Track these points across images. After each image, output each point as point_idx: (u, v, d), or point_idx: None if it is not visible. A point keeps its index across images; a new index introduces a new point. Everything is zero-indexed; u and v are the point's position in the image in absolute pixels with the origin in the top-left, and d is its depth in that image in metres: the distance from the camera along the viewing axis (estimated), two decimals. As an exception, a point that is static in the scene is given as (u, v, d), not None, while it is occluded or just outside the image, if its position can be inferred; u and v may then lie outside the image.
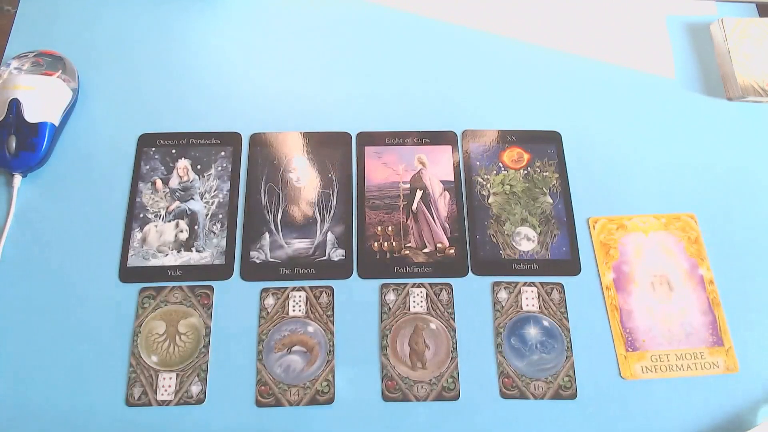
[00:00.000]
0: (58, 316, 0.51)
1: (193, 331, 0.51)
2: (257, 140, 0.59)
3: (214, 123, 0.60)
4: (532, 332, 0.52)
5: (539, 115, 0.61)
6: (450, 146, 0.59)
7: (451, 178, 0.58)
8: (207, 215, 0.56)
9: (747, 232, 0.57)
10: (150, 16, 0.65)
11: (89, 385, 0.49)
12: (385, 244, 0.55)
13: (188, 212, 0.56)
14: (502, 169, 0.59)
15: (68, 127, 0.59)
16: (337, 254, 0.55)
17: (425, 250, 0.55)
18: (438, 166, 0.58)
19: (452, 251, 0.55)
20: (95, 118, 0.60)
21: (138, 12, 0.65)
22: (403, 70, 0.63)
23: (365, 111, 0.61)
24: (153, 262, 0.54)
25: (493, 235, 0.56)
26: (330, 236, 0.55)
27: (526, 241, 0.56)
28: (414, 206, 0.57)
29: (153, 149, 0.58)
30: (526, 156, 0.59)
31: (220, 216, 0.56)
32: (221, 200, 0.56)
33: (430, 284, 0.54)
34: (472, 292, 0.53)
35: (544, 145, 0.60)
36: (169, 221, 0.55)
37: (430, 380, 0.50)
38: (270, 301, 0.53)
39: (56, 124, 0.57)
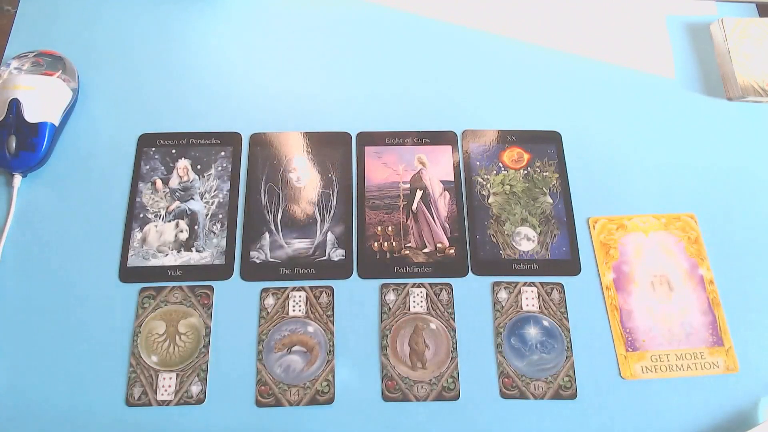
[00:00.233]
0: (58, 316, 0.51)
1: (193, 331, 0.51)
2: (257, 140, 0.59)
3: (214, 123, 0.60)
4: (532, 332, 0.52)
5: (539, 115, 0.61)
6: (450, 146, 0.59)
7: (451, 178, 0.58)
8: (207, 215, 0.56)
9: (747, 232, 0.57)
10: (150, 16, 0.65)
11: (89, 385, 0.49)
12: (385, 244, 0.55)
13: (188, 212, 0.56)
14: (502, 169, 0.59)
15: (68, 127, 0.59)
16: (337, 254, 0.55)
17: (425, 250, 0.55)
18: (438, 166, 0.58)
19: (452, 251, 0.55)
20: (95, 118, 0.60)
21: (138, 12, 0.65)
22: (403, 70, 0.63)
23: (365, 111, 0.61)
24: (153, 262, 0.54)
25: (493, 235, 0.56)
26: (330, 236, 0.55)
27: (526, 241, 0.56)
28: (414, 206, 0.57)
29: (153, 149, 0.58)
30: (526, 156, 0.59)
31: (220, 216, 0.56)
32: (221, 200, 0.56)
33: (430, 284, 0.54)
34: (472, 292, 0.53)
35: (544, 145, 0.60)
36: (169, 221, 0.55)
37: (430, 380, 0.50)
38: (270, 301, 0.53)
39: (56, 124, 0.57)
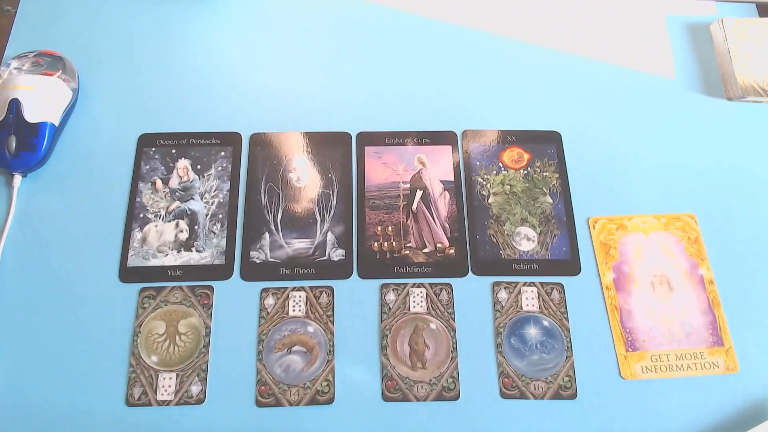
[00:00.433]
0: (58, 316, 0.51)
1: (193, 331, 0.51)
2: (257, 140, 0.59)
3: (214, 123, 0.60)
4: (532, 332, 0.52)
5: (539, 115, 0.61)
6: (450, 146, 0.59)
7: (451, 178, 0.58)
8: (207, 215, 0.56)
9: (747, 232, 0.57)
10: (150, 16, 0.65)
11: (89, 385, 0.49)
12: (385, 244, 0.55)
13: (188, 212, 0.56)
14: (502, 169, 0.59)
15: (68, 127, 0.59)
16: (337, 254, 0.55)
17: (425, 250, 0.55)
18: (438, 166, 0.58)
19: (452, 251, 0.55)
20: (95, 118, 0.60)
21: (138, 12, 0.65)
22: (403, 70, 0.63)
23: (365, 111, 0.61)
24: (153, 262, 0.54)
25: (493, 235, 0.56)
26: (330, 236, 0.55)
27: (526, 241, 0.56)
28: (414, 206, 0.57)
29: (153, 149, 0.58)
30: (526, 156, 0.59)
31: (220, 216, 0.56)
32: (221, 200, 0.56)
33: (430, 284, 0.54)
34: (472, 292, 0.53)
35: (544, 145, 0.60)
36: (169, 221, 0.55)
37: (430, 380, 0.50)
38: (270, 301, 0.53)
39: (56, 124, 0.57)
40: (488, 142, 0.60)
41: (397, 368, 0.51)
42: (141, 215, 0.55)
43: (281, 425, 0.49)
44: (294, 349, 0.51)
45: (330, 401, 0.49)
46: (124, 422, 0.48)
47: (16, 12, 0.64)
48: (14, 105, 0.55)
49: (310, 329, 0.52)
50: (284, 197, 0.57)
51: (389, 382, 0.50)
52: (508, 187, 0.58)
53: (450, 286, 0.54)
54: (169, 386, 0.49)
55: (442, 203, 0.57)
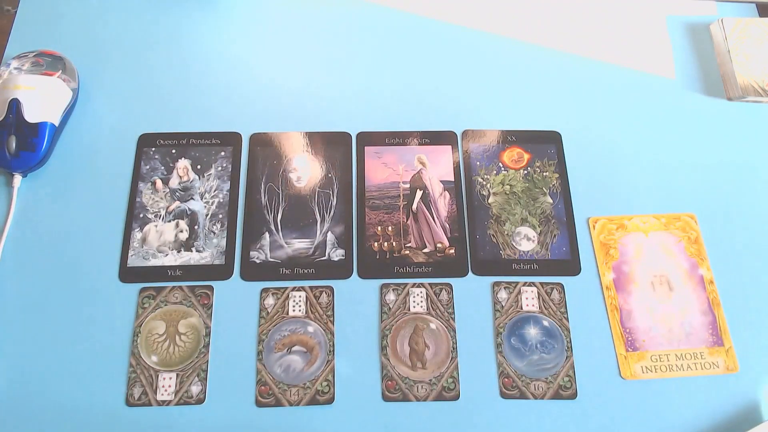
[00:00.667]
0: (58, 316, 0.51)
1: (193, 331, 0.51)
2: (257, 140, 0.59)
3: (214, 123, 0.60)
4: (532, 332, 0.52)
5: (539, 115, 0.61)
6: (450, 146, 0.59)
7: (451, 178, 0.58)
8: (207, 215, 0.56)
9: (747, 232, 0.57)
10: (150, 16, 0.65)
11: (89, 385, 0.49)
12: (385, 244, 0.55)
13: (188, 212, 0.56)
14: (502, 169, 0.59)
15: (68, 127, 0.59)
16: (337, 254, 0.55)
17: (425, 250, 0.55)
18: (438, 166, 0.58)
19: (452, 251, 0.55)
20: (95, 118, 0.60)
21: (138, 12, 0.65)
22: (403, 70, 0.63)
23: (365, 111, 0.61)
24: (153, 262, 0.54)
25: (493, 235, 0.56)
26: (330, 236, 0.55)
27: (526, 241, 0.56)
28: (414, 206, 0.57)
29: (153, 149, 0.58)
30: (526, 156, 0.59)
31: (220, 216, 0.56)
32: (221, 200, 0.56)
33: (430, 284, 0.54)
34: (472, 292, 0.53)
35: (544, 145, 0.60)
36: (169, 221, 0.55)
37: (430, 380, 0.50)
38: (270, 301, 0.53)
39: (56, 124, 0.57)
40: (488, 142, 0.60)
41: (397, 368, 0.51)
42: (141, 215, 0.55)
43: (281, 425, 0.49)
44: (294, 349, 0.51)
45: (330, 401, 0.49)
46: (124, 422, 0.48)
47: (16, 12, 0.64)
48: (14, 105, 0.55)
49: (310, 329, 0.52)
50: (284, 197, 0.57)
51: (389, 382, 0.50)
52: (508, 187, 0.58)
53: (450, 286, 0.54)
54: (169, 386, 0.49)
55: (442, 203, 0.57)
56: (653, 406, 0.50)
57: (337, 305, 0.53)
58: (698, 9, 0.68)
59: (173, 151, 0.58)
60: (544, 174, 0.58)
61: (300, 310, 0.52)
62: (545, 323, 0.52)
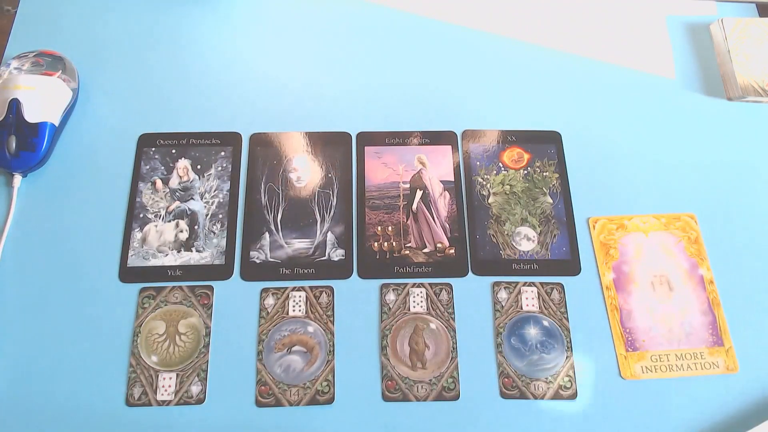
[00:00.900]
0: (58, 316, 0.51)
1: (193, 331, 0.51)
2: (257, 140, 0.59)
3: (214, 123, 0.60)
4: (532, 332, 0.52)
5: (539, 115, 0.61)
6: (450, 146, 0.59)
7: (451, 178, 0.58)
8: (207, 215, 0.56)
9: (747, 232, 0.57)
10: (150, 16, 0.65)
11: (89, 385, 0.49)
12: (385, 244, 0.55)
13: (188, 212, 0.56)
14: (502, 169, 0.59)
15: (68, 127, 0.59)
16: (337, 254, 0.55)
17: (425, 250, 0.55)
18: (438, 166, 0.58)
19: (452, 251, 0.55)
20: (95, 118, 0.60)
21: (138, 12, 0.65)
22: (404, 70, 0.63)
23: (365, 111, 0.61)
24: (153, 262, 0.54)
25: (493, 235, 0.56)
26: (330, 236, 0.55)
27: (526, 241, 0.56)
28: (414, 206, 0.57)
29: (153, 149, 0.58)
30: (526, 156, 0.59)
31: (220, 216, 0.56)
32: (221, 200, 0.56)
33: (430, 284, 0.54)
34: (472, 292, 0.53)
35: (544, 145, 0.60)
36: (169, 221, 0.55)
37: (430, 380, 0.50)
38: (270, 301, 0.53)
39: (56, 124, 0.57)
40: (488, 142, 0.60)
41: (397, 368, 0.51)
42: (141, 215, 0.55)
43: (281, 425, 0.49)
44: (294, 349, 0.51)
45: (330, 401, 0.49)
46: (124, 422, 0.48)
47: (16, 12, 0.64)
48: (14, 105, 0.55)
49: (310, 329, 0.52)
50: (284, 197, 0.57)
51: (389, 382, 0.50)
52: (508, 187, 0.58)
53: (450, 286, 0.54)
54: (169, 386, 0.49)
55: (442, 203, 0.57)
56: (653, 406, 0.50)
57: (337, 305, 0.53)
58: (698, 9, 0.68)
59: (173, 151, 0.58)
60: (544, 174, 0.58)
61: (300, 310, 0.52)
62: (545, 323, 0.52)
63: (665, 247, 0.56)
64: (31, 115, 0.55)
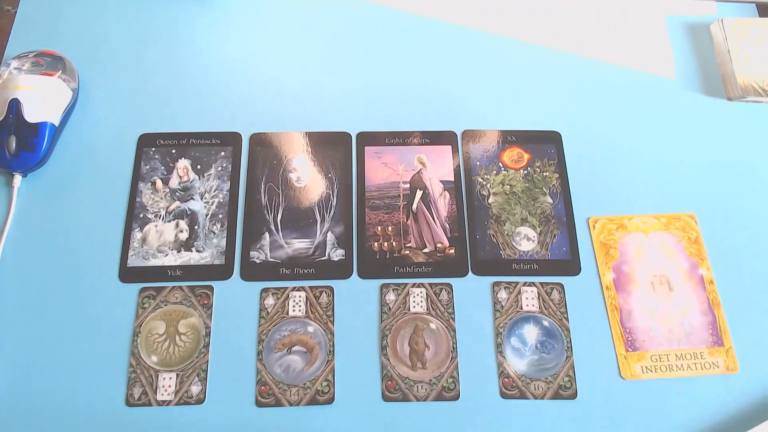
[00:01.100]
0: (58, 316, 0.51)
1: (193, 331, 0.51)
2: (257, 140, 0.59)
3: (214, 123, 0.60)
4: (532, 332, 0.52)
5: (539, 115, 0.61)
6: (450, 146, 0.59)
7: (451, 178, 0.58)
8: (207, 215, 0.56)
9: (747, 232, 0.57)
10: (150, 16, 0.65)
11: (89, 385, 0.49)
12: (385, 244, 0.55)
13: (188, 212, 0.56)
14: (502, 169, 0.59)
15: (68, 127, 0.59)
16: (337, 254, 0.55)
17: (425, 250, 0.55)
18: (438, 166, 0.58)
19: (452, 251, 0.55)
20: (95, 118, 0.60)
21: (138, 12, 0.65)
22: (404, 70, 0.63)
23: (365, 111, 0.61)
24: (153, 262, 0.54)
25: (493, 235, 0.56)
26: (330, 236, 0.55)
27: (526, 241, 0.56)
28: (414, 206, 0.57)
29: (153, 149, 0.58)
30: (526, 156, 0.59)
31: (220, 216, 0.56)
32: (221, 200, 0.56)
33: (430, 284, 0.54)
34: (472, 292, 0.53)
35: (544, 145, 0.60)
36: (169, 221, 0.55)
37: (430, 380, 0.50)
38: (270, 301, 0.53)
39: (56, 124, 0.57)
40: (488, 142, 0.60)
41: (397, 368, 0.51)
42: (141, 215, 0.55)
43: (281, 425, 0.49)
44: (294, 349, 0.51)
45: (330, 401, 0.49)
46: (124, 422, 0.48)
47: (16, 12, 0.64)
48: (14, 105, 0.55)
49: (310, 329, 0.52)
50: (284, 197, 0.57)
51: (389, 382, 0.50)
52: (508, 187, 0.58)
53: (450, 286, 0.54)
54: (169, 386, 0.49)
55: (442, 203, 0.57)
56: (653, 406, 0.50)
57: (337, 305, 0.53)
58: (698, 9, 0.68)
59: (173, 151, 0.58)
60: (544, 174, 0.58)
61: (300, 310, 0.52)
62: (545, 323, 0.52)
63: (665, 247, 0.56)
64: (31, 115, 0.55)
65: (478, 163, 0.59)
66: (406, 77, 0.63)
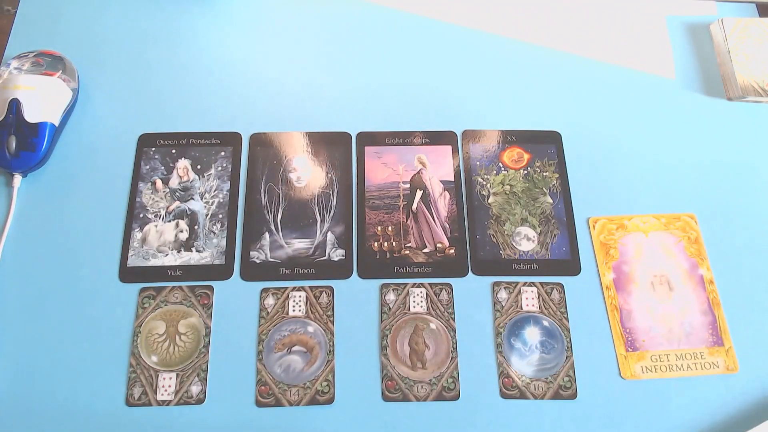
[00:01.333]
0: (58, 316, 0.51)
1: (193, 331, 0.51)
2: (257, 140, 0.59)
3: (214, 123, 0.60)
4: (532, 332, 0.52)
5: (539, 115, 0.61)
6: (450, 146, 0.59)
7: (451, 178, 0.58)
8: (207, 215, 0.56)
9: (747, 232, 0.57)
10: (150, 16, 0.65)
11: (89, 385, 0.49)
12: (385, 244, 0.55)
13: (188, 212, 0.56)
14: (502, 169, 0.59)
15: (68, 127, 0.59)
16: (337, 254, 0.55)
17: (425, 250, 0.55)
18: (438, 166, 0.58)
19: (452, 251, 0.55)
20: (95, 118, 0.60)
21: (138, 12, 0.65)
22: (404, 70, 0.63)
23: (365, 111, 0.61)
24: (153, 262, 0.54)
25: (493, 235, 0.56)
26: (330, 236, 0.55)
27: (526, 241, 0.56)
28: (414, 206, 0.57)
29: (153, 149, 0.58)
30: (526, 156, 0.59)
31: (220, 216, 0.56)
32: (221, 200, 0.56)
33: (430, 284, 0.54)
34: (472, 292, 0.53)
35: (544, 145, 0.60)
36: (169, 221, 0.55)
37: (430, 380, 0.50)
38: (270, 301, 0.53)
39: (56, 124, 0.57)
40: (488, 142, 0.60)
41: (397, 368, 0.51)
42: (141, 215, 0.55)
43: (281, 425, 0.49)
44: (294, 349, 0.51)
45: (330, 401, 0.49)
46: (124, 422, 0.48)
47: (16, 12, 0.64)
48: (14, 105, 0.55)
49: (310, 329, 0.52)
50: (284, 197, 0.57)
51: (389, 382, 0.50)
52: (508, 187, 0.58)
53: (450, 286, 0.54)
54: (169, 386, 0.49)
55: (442, 203, 0.57)
56: (653, 406, 0.50)
57: (337, 305, 0.53)
58: (698, 9, 0.68)
59: (173, 151, 0.58)
60: (544, 174, 0.58)
61: (300, 310, 0.52)
62: (545, 323, 0.52)
63: (665, 247, 0.56)
64: (31, 115, 0.55)
65: (478, 163, 0.59)
66: (406, 77, 0.63)
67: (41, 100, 0.56)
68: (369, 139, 0.59)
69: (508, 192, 0.58)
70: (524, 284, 0.54)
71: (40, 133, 0.55)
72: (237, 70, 0.62)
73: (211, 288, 0.53)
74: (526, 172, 0.58)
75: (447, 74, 0.63)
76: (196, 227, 0.55)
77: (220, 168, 0.58)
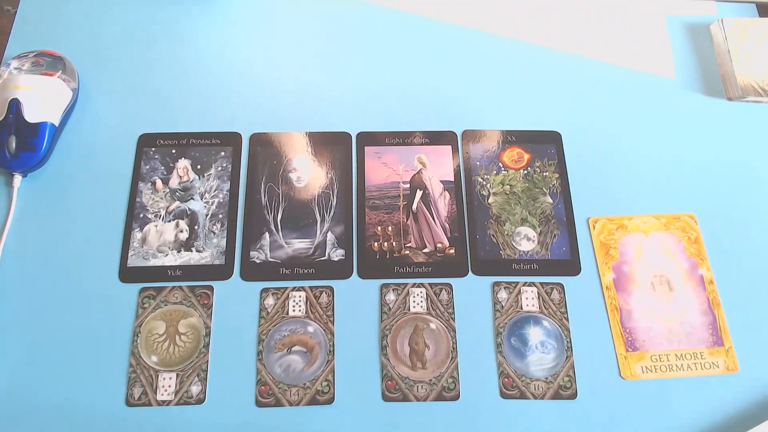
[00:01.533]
0: (58, 316, 0.51)
1: (193, 331, 0.51)
2: (257, 140, 0.59)
3: (214, 123, 0.60)
4: (532, 332, 0.52)
5: (539, 115, 0.61)
6: (450, 146, 0.59)
7: (451, 178, 0.58)
8: (207, 215, 0.56)
9: (747, 232, 0.57)
10: (150, 16, 0.65)
11: (89, 385, 0.49)
12: (385, 244, 0.55)
13: (188, 212, 0.56)
14: (502, 169, 0.59)
15: (68, 127, 0.59)
16: (337, 254, 0.55)
17: (425, 250, 0.55)
18: (438, 166, 0.58)
19: (452, 251, 0.55)
20: (95, 118, 0.60)
21: (138, 12, 0.65)
22: (404, 70, 0.63)
23: (365, 111, 0.61)
24: (153, 262, 0.54)
25: (493, 235, 0.56)
26: (330, 236, 0.55)
27: (526, 241, 0.56)
28: (414, 206, 0.57)
29: (153, 149, 0.58)
30: (526, 156, 0.59)
31: (220, 216, 0.56)
32: (221, 200, 0.56)
33: (430, 284, 0.54)
34: (472, 292, 0.53)
35: (544, 145, 0.60)
36: (169, 221, 0.55)
37: (430, 380, 0.50)
38: (270, 301, 0.53)
39: (56, 124, 0.57)
40: (488, 142, 0.60)
41: (397, 368, 0.51)
42: (141, 215, 0.55)
43: (281, 425, 0.49)
44: (294, 349, 0.51)
45: (330, 401, 0.49)
46: (124, 422, 0.48)
47: (16, 12, 0.64)
48: (14, 105, 0.55)
49: (310, 329, 0.52)
50: (284, 197, 0.57)
51: (389, 382, 0.50)
52: (508, 187, 0.58)
53: (450, 286, 0.54)
54: (169, 386, 0.49)
55: (442, 203, 0.57)
56: (653, 406, 0.50)
57: (337, 305, 0.53)
58: (698, 9, 0.68)
59: (173, 151, 0.58)
60: (544, 174, 0.58)
61: (300, 310, 0.52)
62: (545, 323, 0.52)
63: (665, 247, 0.56)
64: (31, 115, 0.55)
65: (478, 163, 0.59)
66: (406, 77, 0.63)
67: (41, 100, 0.56)
68: (369, 139, 0.59)
69: (508, 192, 0.58)
70: (524, 284, 0.54)
71: (40, 133, 0.55)
72: (237, 70, 0.62)
73: (211, 288, 0.53)
74: (526, 172, 0.58)
75: (447, 74, 0.63)
76: (196, 227, 0.55)
77: (220, 168, 0.58)
